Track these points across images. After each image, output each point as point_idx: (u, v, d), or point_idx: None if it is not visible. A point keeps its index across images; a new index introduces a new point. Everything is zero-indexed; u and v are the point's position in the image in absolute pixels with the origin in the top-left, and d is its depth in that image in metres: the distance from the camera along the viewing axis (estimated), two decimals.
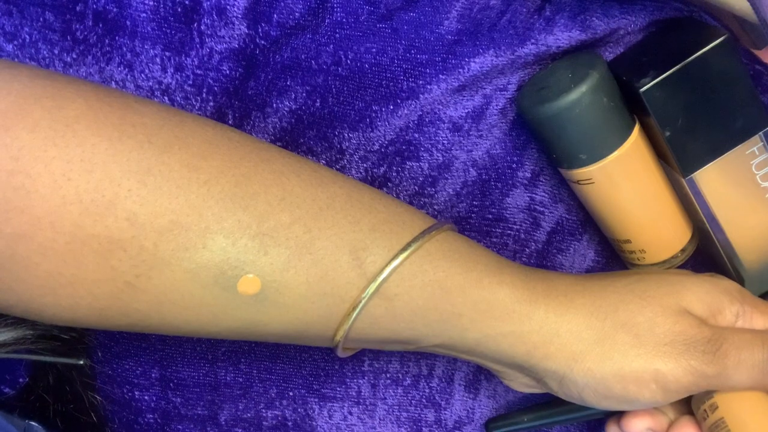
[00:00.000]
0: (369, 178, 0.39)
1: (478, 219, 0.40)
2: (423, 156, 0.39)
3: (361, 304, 0.30)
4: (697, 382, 0.33)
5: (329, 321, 0.31)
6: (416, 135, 0.38)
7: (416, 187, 0.39)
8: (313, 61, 0.36)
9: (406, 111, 0.38)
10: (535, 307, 0.33)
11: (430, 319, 0.32)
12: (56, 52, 0.34)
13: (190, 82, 0.35)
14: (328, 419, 0.42)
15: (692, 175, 0.37)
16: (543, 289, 0.33)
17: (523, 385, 0.37)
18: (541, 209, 0.41)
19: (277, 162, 0.31)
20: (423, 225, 0.32)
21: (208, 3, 0.34)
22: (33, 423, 0.37)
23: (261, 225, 0.29)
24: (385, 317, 0.31)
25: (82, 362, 0.38)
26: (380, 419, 0.42)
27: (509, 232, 0.41)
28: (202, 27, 0.35)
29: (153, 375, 0.40)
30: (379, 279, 0.30)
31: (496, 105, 0.38)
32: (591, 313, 0.33)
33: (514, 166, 0.40)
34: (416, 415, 0.43)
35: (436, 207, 0.40)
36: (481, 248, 0.34)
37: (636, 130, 0.37)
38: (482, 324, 0.32)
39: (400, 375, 0.42)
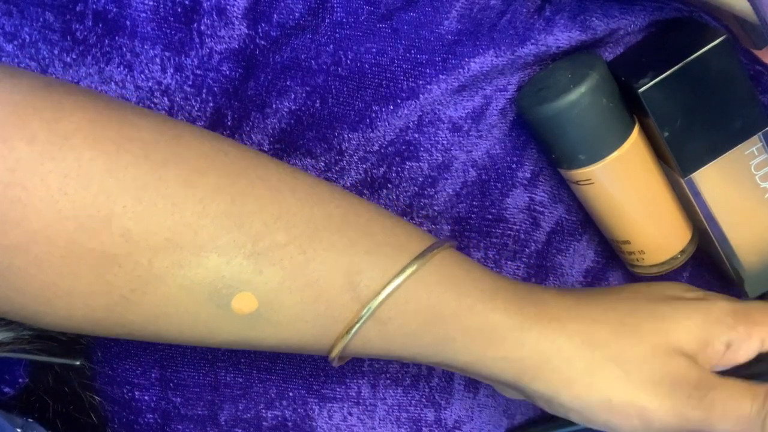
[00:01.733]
0: (369, 178, 0.38)
1: (477, 219, 0.40)
2: (423, 156, 0.39)
3: (354, 329, 0.30)
4: (681, 424, 0.33)
5: (323, 339, 0.31)
6: (416, 135, 0.38)
7: (416, 188, 0.39)
8: (312, 62, 0.36)
9: (406, 111, 0.38)
10: (528, 334, 0.32)
11: (422, 342, 0.32)
12: (56, 52, 0.34)
13: (190, 83, 0.35)
14: (328, 420, 0.42)
15: (691, 175, 0.37)
16: (535, 313, 0.33)
17: (512, 393, 0.37)
18: (541, 209, 0.41)
19: (273, 178, 0.30)
20: (420, 247, 0.32)
21: (208, 3, 0.34)
22: (31, 420, 0.37)
23: (256, 244, 0.29)
24: (378, 339, 0.31)
25: (78, 363, 0.38)
26: (380, 419, 0.42)
27: (509, 232, 0.41)
28: (202, 27, 0.35)
29: (153, 375, 0.40)
30: (374, 304, 0.30)
31: (496, 105, 0.38)
32: (583, 341, 0.33)
33: (513, 166, 0.40)
34: (416, 415, 0.43)
35: (435, 207, 0.40)
36: (477, 268, 0.34)
37: (635, 130, 0.37)
38: (474, 348, 0.32)
39: (400, 375, 0.42)
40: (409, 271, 0.31)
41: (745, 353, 0.35)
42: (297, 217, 0.30)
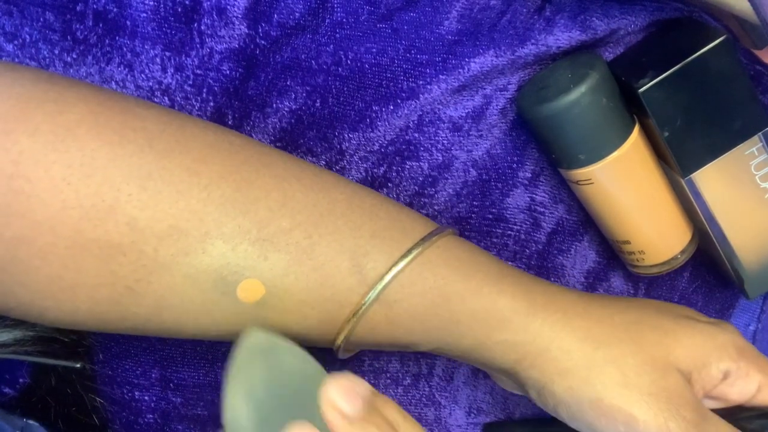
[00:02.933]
0: (369, 178, 0.39)
1: (478, 219, 0.40)
2: (423, 156, 0.39)
3: (361, 311, 0.30)
4: None
5: (329, 326, 0.31)
6: (416, 135, 0.38)
7: (416, 187, 0.39)
8: (313, 61, 0.36)
9: (406, 111, 0.38)
10: (533, 319, 0.33)
11: (428, 325, 0.32)
12: (56, 52, 0.34)
13: (190, 83, 0.35)
14: None
15: (691, 175, 0.37)
16: (543, 302, 0.33)
17: (509, 385, 0.37)
18: (542, 210, 0.41)
19: (278, 166, 0.31)
20: (424, 231, 0.32)
21: (208, 3, 0.34)
22: (31, 422, 0.36)
23: (261, 230, 0.29)
24: (384, 323, 0.31)
25: (79, 366, 0.38)
26: None
27: (509, 232, 0.41)
28: (202, 27, 0.35)
29: (153, 375, 0.40)
30: (380, 286, 0.30)
31: (496, 105, 0.38)
32: (586, 338, 0.33)
33: (514, 166, 0.40)
34: (416, 415, 0.43)
35: (436, 207, 0.40)
36: (483, 253, 0.34)
37: (635, 130, 0.37)
38: (479, 332, 0.32)
39: (400, 374, 0.42)
40: (414, 253, 0.31)
41: (739, 392, 0.35)
42: (301, 204, 0.30)
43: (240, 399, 0.27)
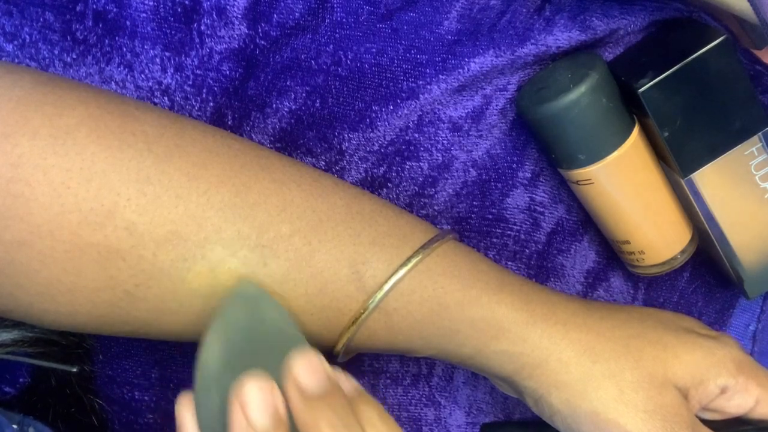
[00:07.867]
0: (369, 178, 0.38)
1: (478, 219, 0.40)
2: (423, 156, 0.39)
3: (360, 319, 0.30)
4: None
5: (328, 332, 0.31)
6: (416, 135, 0.38)
7: (416, 188, 0.39)
8: (312, 62, 0.36)
9: (405, 111, 0.38)
10: (532, 330, 0.33)
11: (427, 333, 0.32)
12: (56, 52, 0.34)
13: (190, 83, 0.35)
14: None
15: (691, 175, 0.37)
16: (542, 313, 0.33)
17: (508, 390, 0.37)
18: (541, 210, 0.41)
19: (277, 171, 0.30)
20: (424, 238, 0.32)
21: (208, 3, 0.34)
22: (28, 418, 0.36)
23: (261, 236, 0.29)
24: (383, 330, 0.31)
25: (75, 370, 0.38)
26: None
27: (509, 232, 0.41)
28: (202, 27, 0.35)
29: (153, 375, 0.40)
30: (379, 295, 0.30)
31: (496, 105, 0.38)
32: (584, 351, 0.33)
33: (514, 166, 0.40)
34: (416, 415, 0.43)
35: (435, 207, 0.40)
36: (483, 260, 0.34)
37: (635, 130, 0.37)
38: (477, 341, 0.33)
39: (400, 375, 0.42)
40: (414, 261, 0.31)
41: (737, 405, 0.35)
42: (301, 209, 0.30)
43: (215, 339, 0.27)
